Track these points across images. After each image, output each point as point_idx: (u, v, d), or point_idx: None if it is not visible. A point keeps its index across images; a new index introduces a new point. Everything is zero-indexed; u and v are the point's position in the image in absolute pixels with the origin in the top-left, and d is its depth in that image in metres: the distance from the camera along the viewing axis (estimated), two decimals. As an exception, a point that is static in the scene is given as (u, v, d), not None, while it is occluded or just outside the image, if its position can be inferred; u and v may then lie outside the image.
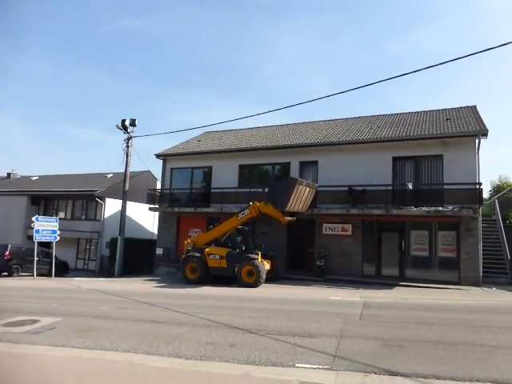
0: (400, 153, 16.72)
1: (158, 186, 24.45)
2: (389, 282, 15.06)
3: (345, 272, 16.50)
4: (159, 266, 20.62)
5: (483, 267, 15.36)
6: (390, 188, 16.12)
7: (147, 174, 30.32)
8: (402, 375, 4.89)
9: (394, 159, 16.81)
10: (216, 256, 14.98)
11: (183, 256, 15.89)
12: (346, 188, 16.31)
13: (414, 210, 15.04)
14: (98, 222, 27.49)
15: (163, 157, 22.22)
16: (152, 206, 21.40)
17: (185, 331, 7.17)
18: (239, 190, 18.88)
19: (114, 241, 22.74)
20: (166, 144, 25.59)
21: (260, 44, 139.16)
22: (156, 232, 23.27)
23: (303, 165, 18.77)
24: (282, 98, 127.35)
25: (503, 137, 69.64)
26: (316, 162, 18.30)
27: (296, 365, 5.28)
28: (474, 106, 19.08)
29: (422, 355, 5.66)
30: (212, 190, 19.88)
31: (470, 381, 4.66)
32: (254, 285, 13.90)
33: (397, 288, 14.24)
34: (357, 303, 10.42)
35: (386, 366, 5.20)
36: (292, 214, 15.60)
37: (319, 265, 16.59)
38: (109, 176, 31.02)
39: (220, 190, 19.11)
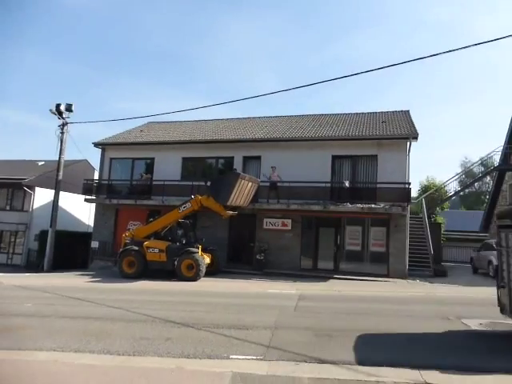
0: (339, 151, 17.47)
1: (96, 177, 23.28)
2: (324, 275, 15.70)
3: (283, 266, 16.93)
4: (94, 259, 19.66)
5: (409, 261, 16.57)
6: (329, 185, 16.80)
7: (84, 164, 28.72)
8: (330, 363, 5.15)
9: (334, 157, 17.53)
10: (155, 249, 14.64)
11: (121, 249, 15.32)
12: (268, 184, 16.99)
13: (349, 206, 15.83)
14: (25, 213, 25.53)
15: (102, 146, 21.16)
16: (88, 197, 20.35)
17: (118, 327, 6.94)
18: (182, 183, 18.56)
19: (43, 233, 21.30)
20: (108, 133, 24.43)
21: (211, 36, 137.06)
22: (92, 225, 22.16)
23: (246, 159, 18.90)
24: (230, 91, 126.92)
25: (432, 141, 75.54)
26: (259, 158, 18.51)
27: (230, 356, 5.35)
28: (408, 111, 20.42)
29: (350, 343, 5.99)
30: (154, 183, 19.34)
31: (391, 366, 5.02)
32: (194, 279, 13.80)
33: (331, 281, 14.91)
34: (293, 296, 10.75)
35: (316, 354, 5.45)
36: (234, 209, 15.67)
37: (259, 259, 16.87)
38: (40, 164, 28.91)
39: (162, 183, 18.64)
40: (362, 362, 5.15)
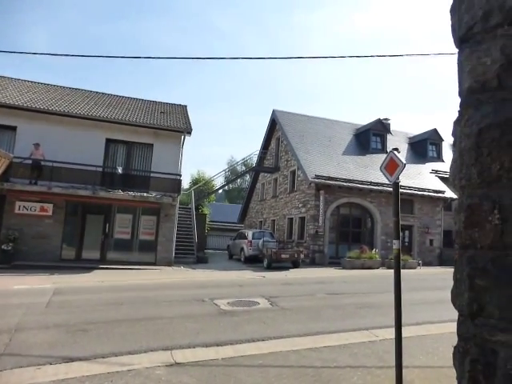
0: (114, 135, 16.66)
1: None
2: (89, 266, 14.71)
3: (40, 257, 14.88)
4: None
5: (176, 249, 17.48)
6: (101, 169, 15.76)
7: None
8: (80, 359, 4.75)
9: (108, 141, 16.59)
10: None
11: None
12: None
13: (120, 193, 15.31)
14: None
15: None
16: None
17: None
18: None
19: None
20: None
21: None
22: None
23: (-5, 129, 15.57)
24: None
25: (206, 137, 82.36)
26: (14, 128, 15.53)
27: None
28: (185, 106, 21.40)
29: (106, 336, 5.74)
30: None
31: (145, 352, 5.08)
32: None
33: (96, 271, 14.06)
34: (47, 290, 9.51)
35: (64, 353, 4.93)
36: (-28, 188, 12.59)
37: (5, 249, 14.14)
38: None
39: None
40: (117, 353, 4.99)
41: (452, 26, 1.23)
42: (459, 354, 1.12)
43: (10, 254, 14.15)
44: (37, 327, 6.14)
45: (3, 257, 14.06)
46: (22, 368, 4.45)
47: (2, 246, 14.15)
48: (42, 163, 14.95)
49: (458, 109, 1.17)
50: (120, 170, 15.81)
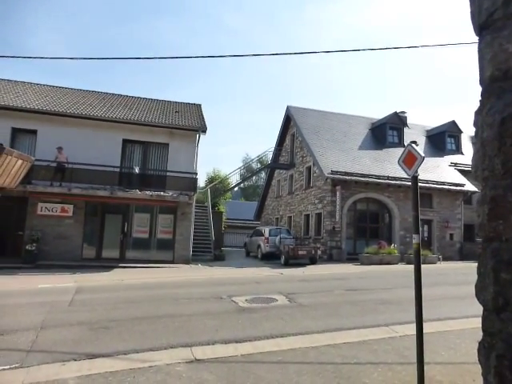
0: (131, 136, 16.88)
1: None
2: (109, 265, 14.97)
3: (62, 256, 15.24)
4: None
5: (193, 247, 17.63)
6: (118, 170, 16.03)
7: None
8: (103, 356, 4.85)
9: (125, 141, 16.83)
10: None
11: None
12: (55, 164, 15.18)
13: (138, 193, 15.53)
14: None
15: None
16: None
17: None
18: None
19: None
20: None
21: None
22: None
23: (17, 132, 15.97)
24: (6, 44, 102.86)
25: (221, 135, 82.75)
26: (35, 132, 15.91)
27: (-30, 372, 4.33)
28: (199, 105, 21.51)
29: (127, 333, 5.84)
30: None
31: (165, 348, 5.14)
32: None
33: (116, 270, 14.31)
34: (69, 289, 9.74)
35: (88, 350, 5.04)
36: (-4, 190, 12.96)
37: (29, 250, 14.54)
38: None
39: None
40: (138, 349, 5.07)
41: (471, 12, 1.19)
42: (484, 350, 1.09)
43: (34, 254, 14.54)
44: (61, 325, 6.29)
45: (27, 257, 14.47)
46: (48, 364, 4.57)
47: (27, 247, 14.56)
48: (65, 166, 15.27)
49: (479, 98, 1.14)
50: (137, 170, 16.04)
